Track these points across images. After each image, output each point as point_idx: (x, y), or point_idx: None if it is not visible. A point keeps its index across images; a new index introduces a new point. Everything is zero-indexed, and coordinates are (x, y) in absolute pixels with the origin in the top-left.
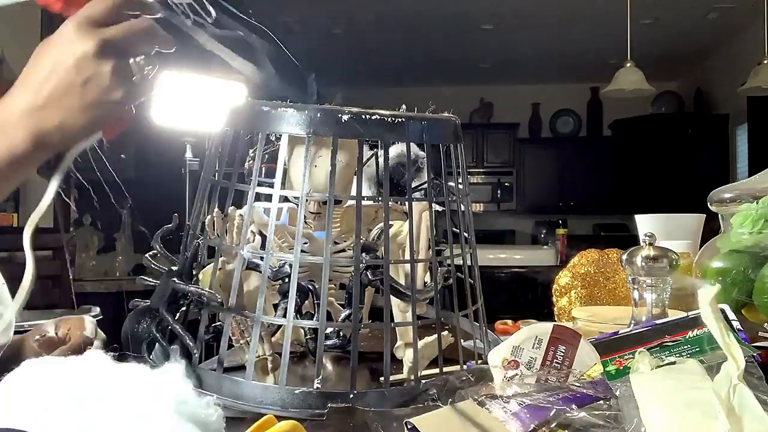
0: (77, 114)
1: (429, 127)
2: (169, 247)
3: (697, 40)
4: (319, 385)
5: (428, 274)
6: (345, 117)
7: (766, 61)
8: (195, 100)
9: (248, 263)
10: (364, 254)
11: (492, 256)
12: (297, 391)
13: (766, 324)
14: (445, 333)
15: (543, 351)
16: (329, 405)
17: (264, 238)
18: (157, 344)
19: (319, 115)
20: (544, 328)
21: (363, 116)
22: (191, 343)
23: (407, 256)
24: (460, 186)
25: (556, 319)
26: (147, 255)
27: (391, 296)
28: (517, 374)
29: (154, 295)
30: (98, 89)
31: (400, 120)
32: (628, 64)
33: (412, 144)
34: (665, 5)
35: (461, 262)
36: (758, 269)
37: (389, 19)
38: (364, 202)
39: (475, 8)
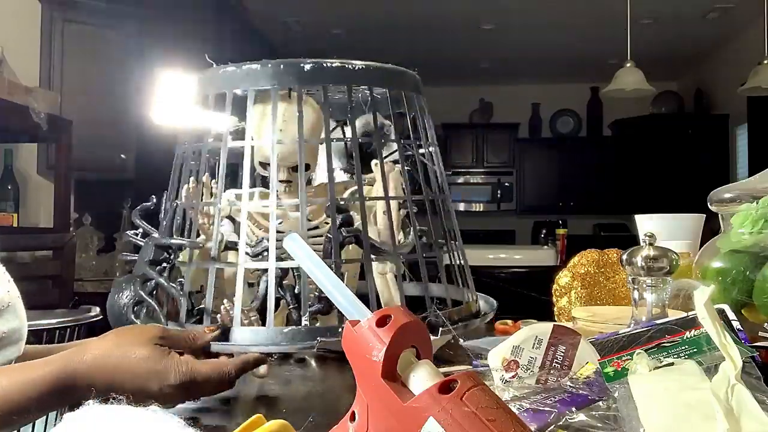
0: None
1: (389, 76)
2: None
3: (697, 40)
4: (307, 323)
5: (402, 233)
6: (307, 67)
7: (766, 61)
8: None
9: (226, 243)
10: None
11: (492, 256)
12: (286, 330)
13: (766, 324)
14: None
15: (543, 351)
16: (318, 338)
17: (234, 222)
18: (145, 309)
19: (282, 66)
20: (544, 328)
21: (324, 65)
22: (179, 295)
23: (379, 219)
24: (429, 143)
25: (556, 319)
26: (128, 232)
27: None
28: (515, 375)
29: (138, 260)
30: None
31: (360, 67)
32: (628, 64)
33: (378, 114)
34: (665, 5)
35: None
36: (758, 269)
37: (389, 20)
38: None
39: (475, 8)
